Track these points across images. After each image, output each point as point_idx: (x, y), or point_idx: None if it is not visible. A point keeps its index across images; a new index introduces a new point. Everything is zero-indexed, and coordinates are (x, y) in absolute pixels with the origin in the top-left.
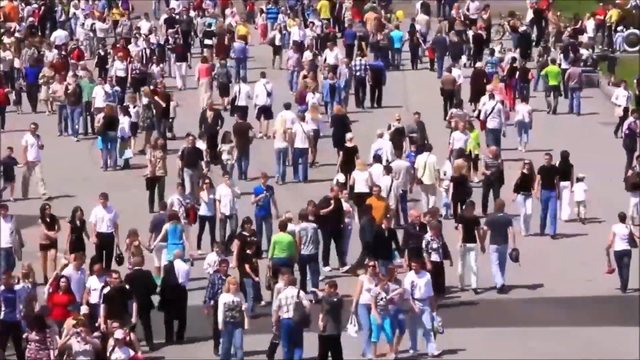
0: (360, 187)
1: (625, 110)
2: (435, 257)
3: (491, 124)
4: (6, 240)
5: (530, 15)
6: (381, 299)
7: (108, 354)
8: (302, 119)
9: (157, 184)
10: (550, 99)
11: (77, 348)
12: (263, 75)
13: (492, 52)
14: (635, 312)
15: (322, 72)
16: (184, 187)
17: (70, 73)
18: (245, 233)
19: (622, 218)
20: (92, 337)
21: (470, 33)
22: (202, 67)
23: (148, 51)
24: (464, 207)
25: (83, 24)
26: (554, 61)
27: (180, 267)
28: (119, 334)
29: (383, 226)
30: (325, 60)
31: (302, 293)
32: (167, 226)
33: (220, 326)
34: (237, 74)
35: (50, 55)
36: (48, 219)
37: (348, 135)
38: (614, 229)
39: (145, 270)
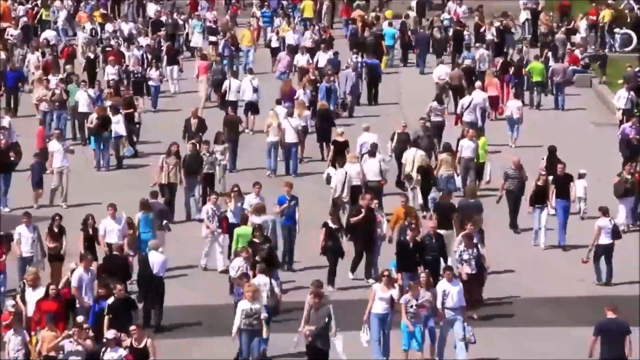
0: (353, 180)
1: (626, 112)
2: (467, 268)
3: (467, 118)
4: (27, 249)
5: (524, 16)
6: (411, 306)
7: (101, 355)
8: (291, 114)
9: (170, 190)
10: (534, 95)
11: (69, 348)
12: (250, 71)
13: (467, 48)
14: (635, 312)
15: (312, 74)
16: (218, 197)
17: (54, 78)
18: (256, 240)
19: (605, 212)
20: (84, 339)
21: (451, 30)
22: (202, 64)
23: (149, 55)
24: (440, 195)
25: (83, 28)
26: (537, 58)
27: (155, 258)
28: (110, 334)
29: (408, 238)
30: (317, 62)
31: (273, 281)
32: (138, 215)
33: (232, 334)
34: (230, 69)
35: (34, 58)
36: (56, 229)
37: (338, 130)
38: (598, 224)
39: (122, 257)
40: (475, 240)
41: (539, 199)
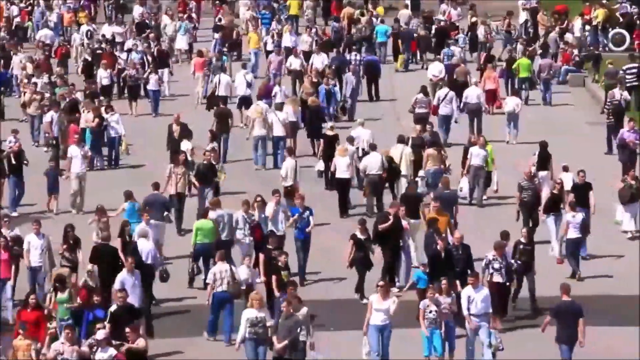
0: (341, 173)
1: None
2: (497, 277)
3: (443, 110)
4: (35, 259)
5: (523, 16)
6: (430, 312)
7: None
8: (280, 108)
9: (179, 200)
10: (522, 91)
11: (61, 349)
12: (244, 66)
13: (447, 45)
14: (635, 312)
15: (307, 77)
16: (249, 205)
17: (43, 80)
18: (269, 246)
19: (572, 207)
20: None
21: (434, 26)
22: (198, 60)
23: (149, 57)
24: (407, 185)
25: (78, 29)
26: (525, 53)
27: (144, 245)
28: (100, 334)
29: (439, 247)
30: (312, 65)
31: (233, 267)
32: (125, 205)
33: (237, 343)
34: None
35: (17, 59)
36: (71, 240)
37: (329, 124)
38: (567, 219)
39: (112, 246)
40: (506, 250)
41: (554, 207)
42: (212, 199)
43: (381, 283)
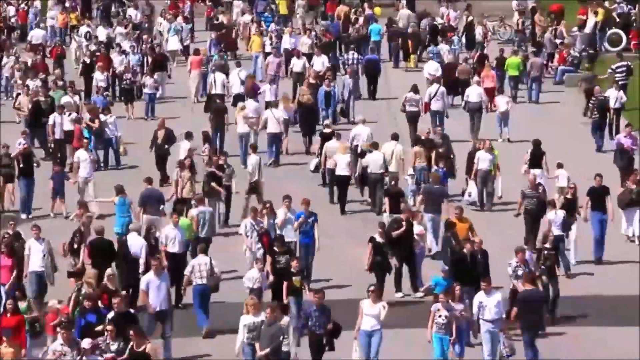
0: (342, 170)
1: (617, 111)
2: (521, 285)
3: (434, 106)
4: (38, 263)
5: (516, 16)
6: (440, 316)
7: None
8: (275, 105)
9: (185, 205)
10: (513, 90)
11: (62, 350)
12: (238, 64)
13: (435, 43)
14: (635, 312)
15: (307, 78)
16: (257, 211)
17: (38, 82)
18: (276, 249)
19: (553, 205)
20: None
21: (426, 24)
22: (194, 59)
23: (149, 59)
24: (392, 182)
25: (77, 31)
26: (516, 52)
27: (134, 240)
28: (86, 343)
29: (465, 250)
30: (312, 66)
31: (213, 261)
32: (115, 199)
33: (236, 350)
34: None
35: (9, 62)
36: (76, 245)
37: (326, 121)
38: (548, 217)
39: (107, 239)
40: (527, 256)
41: (568, 212)
42: (196, 195)
43: (372, 288)
